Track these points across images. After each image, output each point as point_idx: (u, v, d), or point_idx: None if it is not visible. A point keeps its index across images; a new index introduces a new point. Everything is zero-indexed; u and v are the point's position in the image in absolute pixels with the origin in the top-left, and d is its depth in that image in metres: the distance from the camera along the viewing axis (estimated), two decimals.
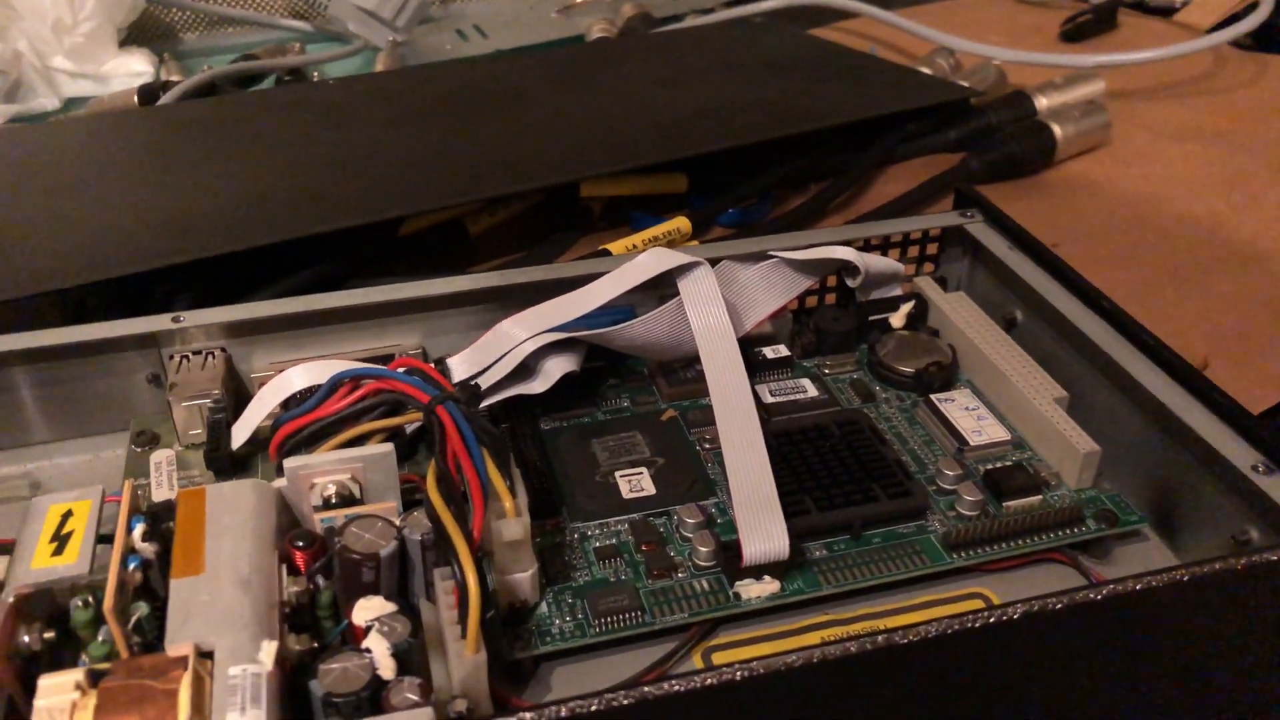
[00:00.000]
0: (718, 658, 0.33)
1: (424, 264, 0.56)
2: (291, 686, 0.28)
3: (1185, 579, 0.29)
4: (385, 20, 0.91)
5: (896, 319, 0.45)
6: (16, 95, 0.79)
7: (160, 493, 0.37)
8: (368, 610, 0.29)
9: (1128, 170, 0.66)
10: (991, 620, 0.27)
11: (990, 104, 0.69)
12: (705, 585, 0.34)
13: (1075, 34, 0.88)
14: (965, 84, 0.71)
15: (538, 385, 0.40)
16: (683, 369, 0.43)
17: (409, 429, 0.38)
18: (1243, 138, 0.71)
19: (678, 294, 0.41)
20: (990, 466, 0.39)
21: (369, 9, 0.90)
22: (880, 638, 0.27)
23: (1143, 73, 0.79)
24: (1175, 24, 0.92)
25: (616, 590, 0.33)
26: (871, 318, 0.46)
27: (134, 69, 0.84)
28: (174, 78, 0.81)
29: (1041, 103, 0.68)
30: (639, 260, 0.41)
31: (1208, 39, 0.76)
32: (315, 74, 0.82)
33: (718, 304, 0.40)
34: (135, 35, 0.89)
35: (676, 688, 0.26)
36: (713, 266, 0.42)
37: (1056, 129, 0.65)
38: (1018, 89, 0.70)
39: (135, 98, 0.74)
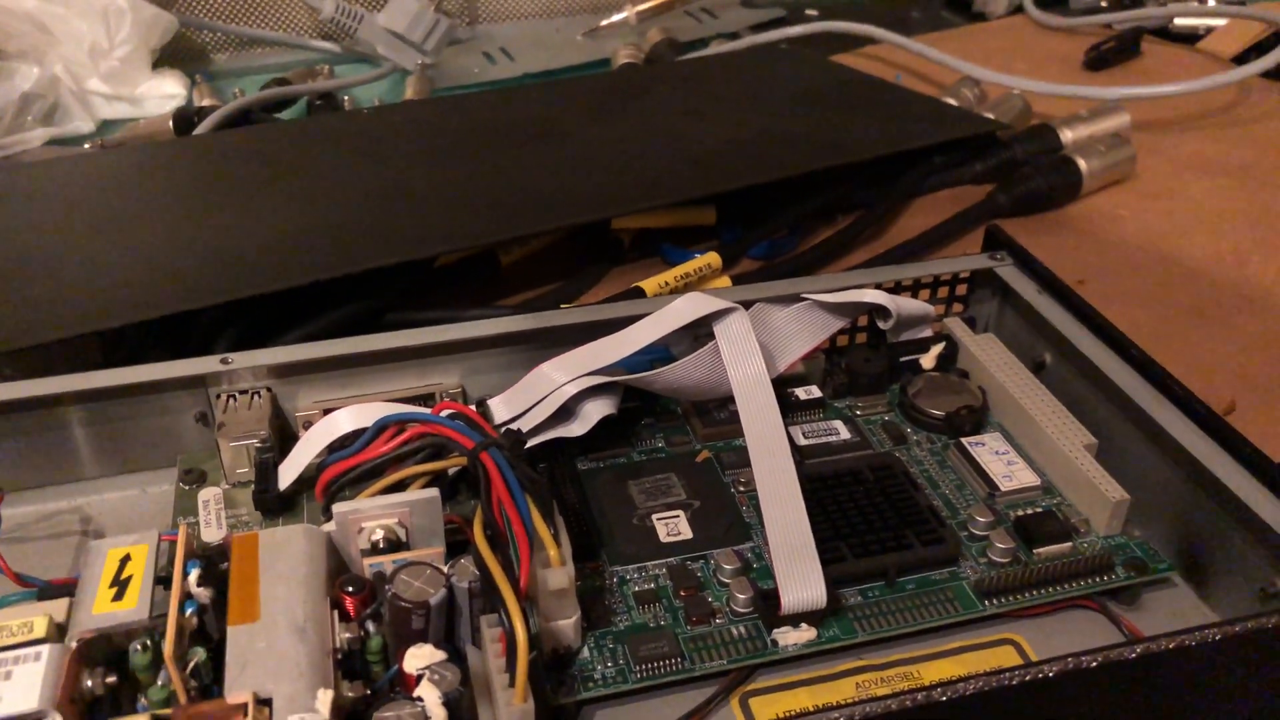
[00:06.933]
0: (754, 703, 0.34)
1: (458, 294, 0.57)
2: None
3: (1217, 638, 0.29)
4: (414, 43, 0.92)
5: (927, 360, 0.46)
6: (53, 118, 0.80)
7: (210, 532, 0.38)
8: (418, 658, 0.30)
9: (1153, 204, 0.67)
10: (1028, 678, 0.28)
11: (1016, 137, 0.69)
12: (742, 631, 0.35)
13: (1099, 62, 0.89)
14: (991, 115, 0.72)
15: (577, 428, 0.40)
16: (717, 409, 0.44)
17: (451, 471, 0.39)
18: (1268, 171, 0.71)
19: (713, 335, 0.42)
20: (1021, 512, 0.39)
21: (398, 31, 0.91)
22: (920, 695, 0.28)
23: (1167, 104, 0.80)
24: (1199, 52, 0.92)
25: (656, 636, 0.34)
26: (902, 359, 0.46)
27: (167, 91, 0.85)
28: (206, 100, 0.82)
29: (1067, 136, 0.69)
30: (676, 305, 0.42)
31: (1235, 72, 0.76)
32: (346, 98, 0.84)
33: (754, 354, 0.40)
34: (167, 57, 0.90)
35: None
36: (746, 309, 0.42)
37: (1082, 164, 0.66)
38: (1043, 122, 0.71)
39: (170, 123, 0.75)
